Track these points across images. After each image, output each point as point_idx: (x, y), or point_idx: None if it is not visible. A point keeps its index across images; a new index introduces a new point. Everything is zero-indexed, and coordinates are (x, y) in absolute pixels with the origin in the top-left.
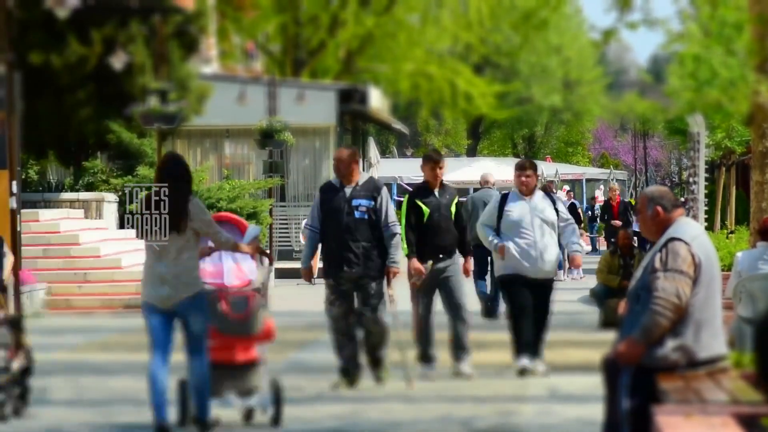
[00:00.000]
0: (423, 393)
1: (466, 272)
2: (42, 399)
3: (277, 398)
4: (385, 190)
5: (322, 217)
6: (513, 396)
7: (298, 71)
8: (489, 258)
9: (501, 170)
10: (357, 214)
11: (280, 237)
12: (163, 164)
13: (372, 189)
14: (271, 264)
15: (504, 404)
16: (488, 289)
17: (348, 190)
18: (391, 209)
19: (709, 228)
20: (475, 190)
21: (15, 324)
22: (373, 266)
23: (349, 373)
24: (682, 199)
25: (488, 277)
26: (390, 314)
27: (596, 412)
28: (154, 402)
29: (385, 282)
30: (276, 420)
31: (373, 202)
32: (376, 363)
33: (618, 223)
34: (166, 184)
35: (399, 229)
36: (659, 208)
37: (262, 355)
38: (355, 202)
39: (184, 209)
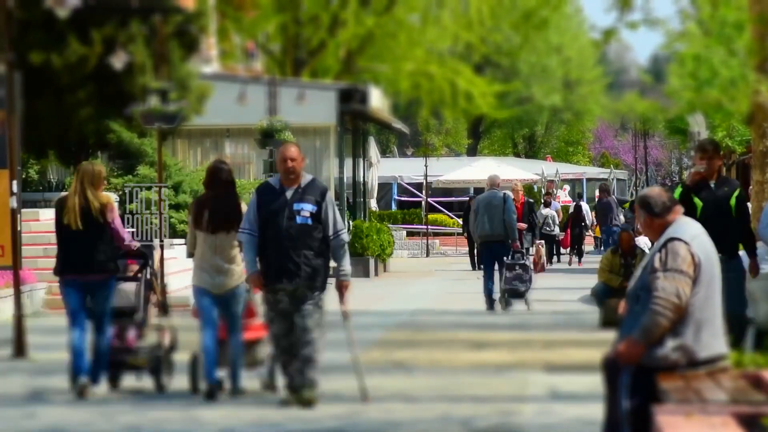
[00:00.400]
0: (423, 393)
1: (752, 271)
2: (42, 399)
3: (272, 370)
4: (330, 193)
5: (260, 222)
6: (513, 396)
7: (298, 71)
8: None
9: (501, 170)
10: (299, 220)
11: None
12: (214, 171)
13: (316, 192)
14: None
15: (504, 404)
16: (494, 285)
17: (289, 193)
18: (338, 214)
19: None
20: (476, 189)
21: (165, 308)
22: (316, 278)
23: (298, 390)
24: None
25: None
26: (346, 330)
27: (596, 412)
28: (208, 368)
29: (323, 297)
30: (271, 386)
31: (316, 207)
32: (307, 384)
33: (523, 225)
34: (219, 189)
35: (348, 236)
36: (649, 215)
37: (265, 335)
38: (296, 207)
39: (240, 211)
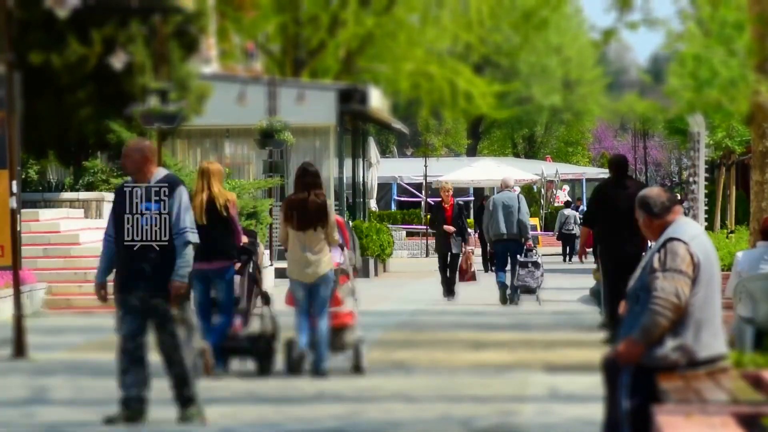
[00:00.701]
0: (423, 393)
1: None
2: (42, 399)
3: (358, 353)
4: (181, 189)
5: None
6: (513, 396)
7: (298, 71)
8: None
9: (501, 170)
10: (142, 221)
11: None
12: (301, 173)
13: (164, 189)
14: (343, 250)
15: (504, 404)
16: (507, 280)
17: (138, 192)
18: (187, 213)
19: (709, 228)
20: (475, 189)
21: (267, 298)
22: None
23: (130, 405)
24: (682, 199)
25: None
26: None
27: (596, 412)
28: (320, 356)
29: (185, 305)
30: (357, 368)
31: (160, 206)
32: (186, 402)
33: (451, 228)
34: (306, 190)
35: (194, 237)
36: (648, 215)
37: (351, 321)
38: (142, 207)
39: (326, 211)
